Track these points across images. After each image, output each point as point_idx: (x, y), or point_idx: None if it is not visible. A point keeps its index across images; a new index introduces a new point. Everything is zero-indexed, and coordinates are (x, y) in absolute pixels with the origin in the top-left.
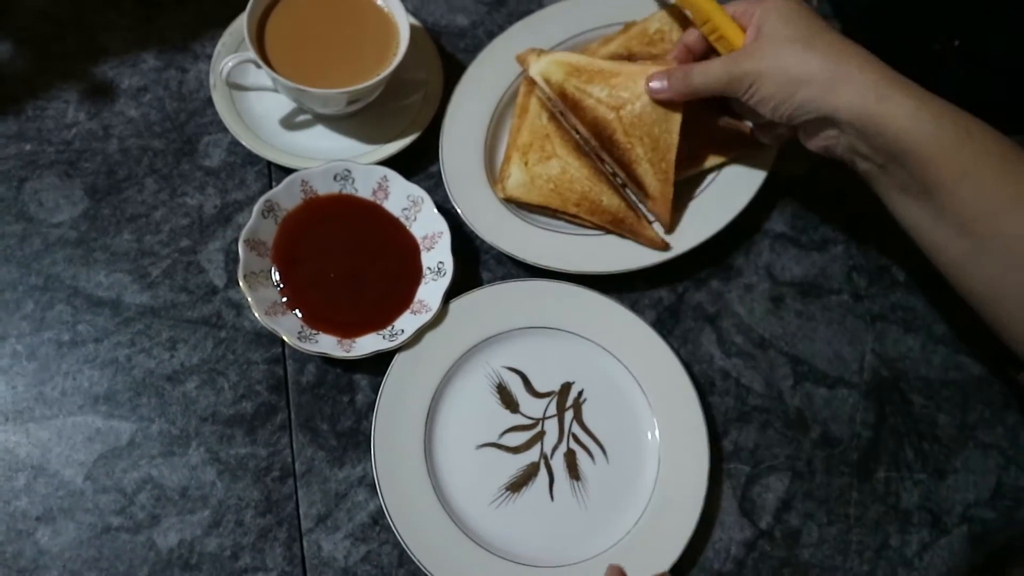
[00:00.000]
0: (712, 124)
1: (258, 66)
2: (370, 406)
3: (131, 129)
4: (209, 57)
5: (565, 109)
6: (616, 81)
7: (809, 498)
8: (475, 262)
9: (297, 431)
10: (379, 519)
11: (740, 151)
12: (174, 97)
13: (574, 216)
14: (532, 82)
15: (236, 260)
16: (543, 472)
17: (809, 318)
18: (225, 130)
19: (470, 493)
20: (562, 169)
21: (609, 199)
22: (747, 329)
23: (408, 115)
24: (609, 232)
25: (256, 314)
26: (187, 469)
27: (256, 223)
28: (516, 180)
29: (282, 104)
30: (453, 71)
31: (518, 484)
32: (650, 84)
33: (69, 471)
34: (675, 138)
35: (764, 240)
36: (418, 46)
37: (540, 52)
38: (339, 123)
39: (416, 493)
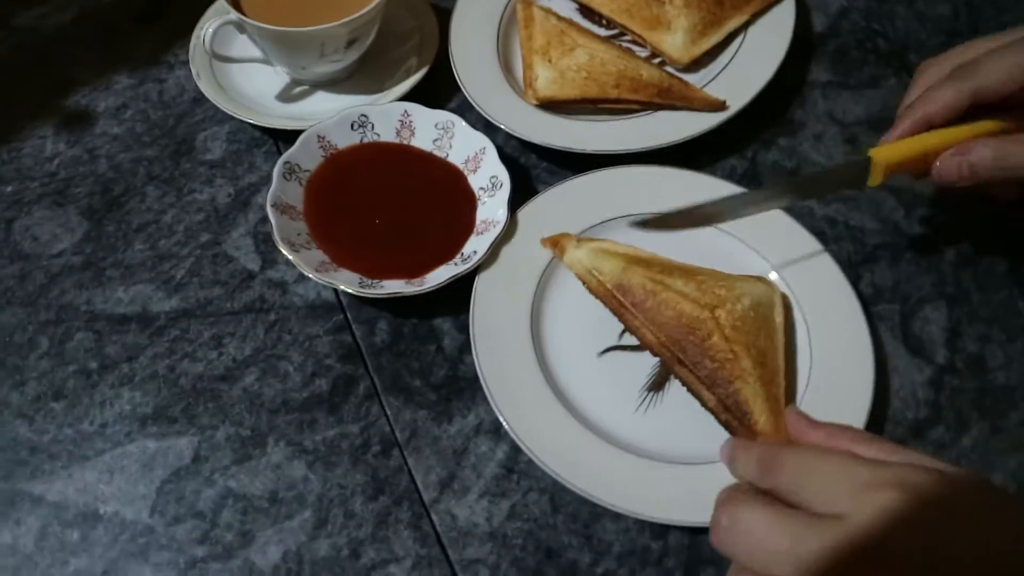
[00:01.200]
0: None
1: (241, 29)
2: (462, 348)
3: (118, 145)
4: (184, 63)
5: (625, 303)
6: (702, 278)
7: (976, 319)
8: (527, 179)
9: (387, 396)
10: (514, 466)
11: (758, 6)
12: (156, 107)
13: (616, 101)
14: (528, 11)
15: (267, 240)
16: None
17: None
18: (220, 122)
19: (609, 406)
20: (590, 55)
21: (648, 72)
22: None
23: (408, 61)
24: (659, 108)
25: (307, 272)
26: (271, 470)
27: (279, 186)
28: (545, 78)
29: (275, 79)
30: (444, 18)
31: (659, 382)
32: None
33: (130, 509)
34: (781, 359)
35: (814, 91)
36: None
37: (579, 240)
38: (338, 86)
39: (550, 422)
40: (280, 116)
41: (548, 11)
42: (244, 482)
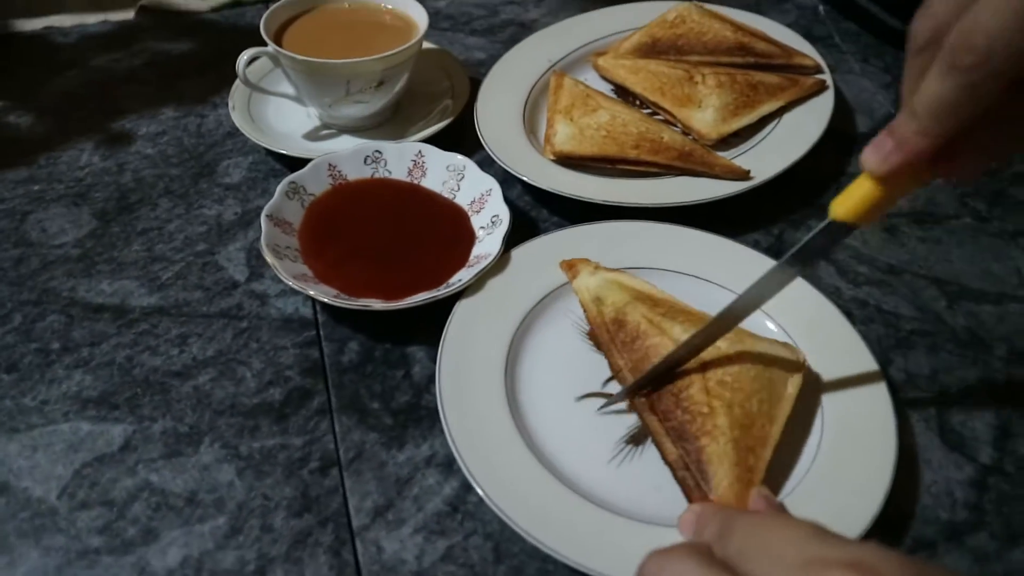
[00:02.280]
0: (755, 75)
1: (276, 61)
2: (431, 379)
3: (147, 163)
4: (228, 105)
5: (615, 339)
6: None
7: None
8: (534, 230)
9: (340, 414)
10: (460, 504)
11: (793, 95)
12: (192, 136)
13: (635, 163)
14: (561, 73)
15: (260, 256)
16: None
17: (936, 242)
18: (246, 153)
19: (580, 453)
20: (611, 116)
21: (671, 135)
22: (869, 259)
23: (436, 119)
24: (680, 173)
25: (282, 276)
26: (197, 470)
27: (280, 201)
28: (564, 134)
29: (305, 120)
30: (477, 86)
31: (640, 435)
32: (865, 156)
33: (40, 487)
34: (776, 432)
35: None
36: (440, 60)
37: (597, 267)
38: (366, 133)
39: (510, 460)
40: (301, 149)
41: (579, 81)
42: (166, 478)
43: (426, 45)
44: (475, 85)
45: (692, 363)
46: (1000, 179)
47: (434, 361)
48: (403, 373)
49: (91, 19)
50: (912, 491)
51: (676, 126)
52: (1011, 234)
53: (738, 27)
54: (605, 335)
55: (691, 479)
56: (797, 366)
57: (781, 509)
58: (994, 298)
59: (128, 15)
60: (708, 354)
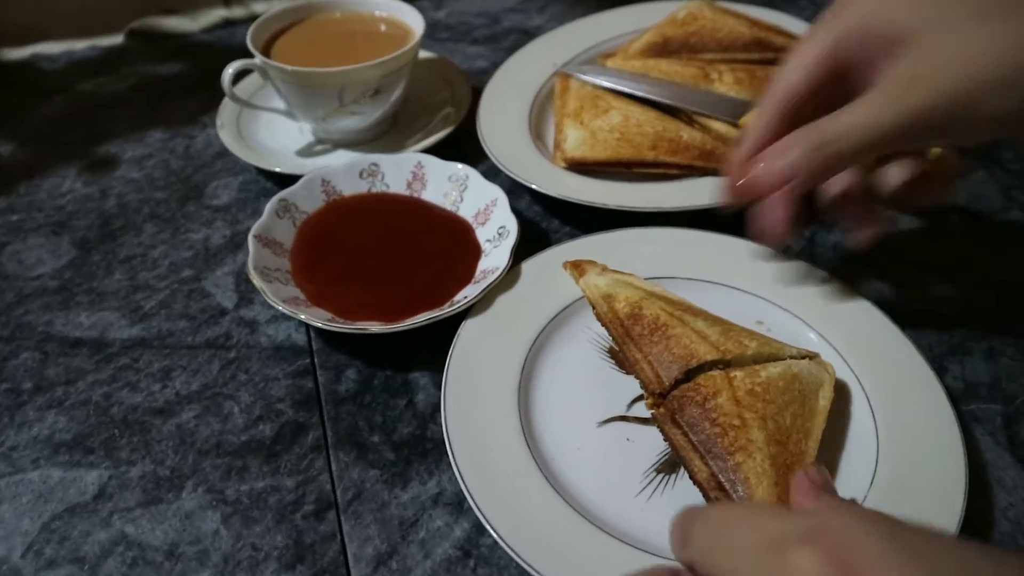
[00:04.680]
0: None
1: (264, 74)
2: (437, 407)
3: (131, 187)
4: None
5: (631, 333)
6: (734, 332)
7: None
8: (546, 243)
9: (337, 449)
10: (472, 549)
11: None
12: (180, 158)
13: (654, 165)
14: (566, 76)
15: (250, 281)
16: None
17: (981, 240)
18: (236, 174)
19: (606, 487)
20: (624, 116)
21: (690, 133)
22: (914, 260)
23: (436, 129)
24: (702, 173)
25: (270, 300)
26: (179, 519)
27: (269, 220)
28: (575, 139)
29: (298, 137)
30: (479, 97)
31: (672, 462)
32: (751, 177)
33: (2, 546)
34: (813, 448)
35: None
36: (440, 69)
37: (604, 268)
38: (362, 147)
39: (528, 498)
40: (294, 166)
41: (587, 82)
42: (144, 529)
43: (425, 54)
44: (477, 94)
45: (718, 368)
46: None
47: (439, 388)
48: (406, 402)
49: (79, 45)
50: (986, 516)
51: (694, 124)
52: None
53: (753, 22)
54: (619, 330)
55: (724, 499)
56: (826, 377)
57: (832, 490)
58: None
59: (117, 39)
60: (736, 357)
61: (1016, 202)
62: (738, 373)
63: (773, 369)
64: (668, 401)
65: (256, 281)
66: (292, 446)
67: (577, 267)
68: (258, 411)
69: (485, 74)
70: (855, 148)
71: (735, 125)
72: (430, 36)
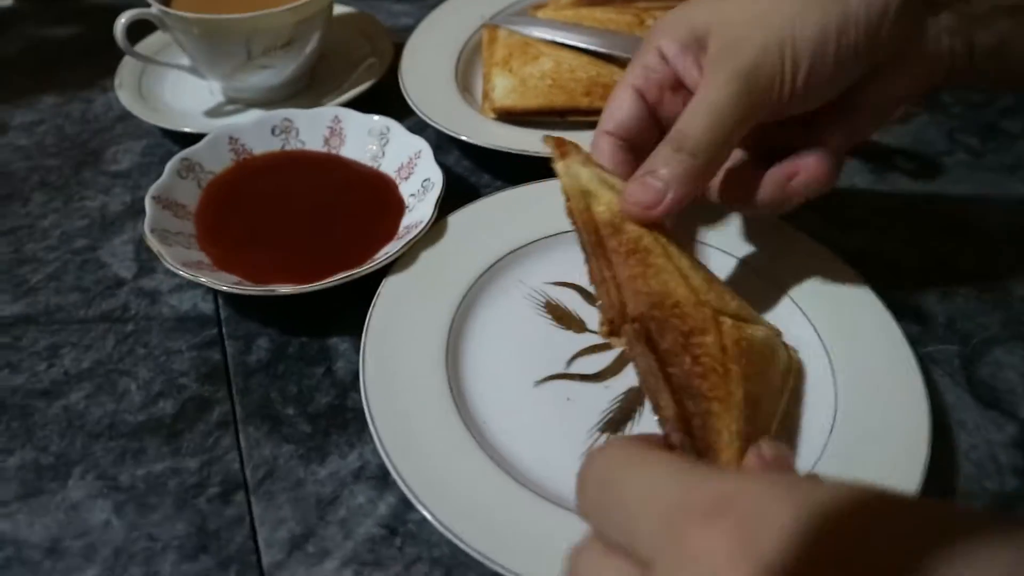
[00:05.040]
0: None
1: (162, 24)
2: (357, 374)
3: (18, 155)
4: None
5: (607, 245)
6: (718, 285)
7: None
8: (474, 197)
9: (246, 424)
10: (399, 526)
11: None
12: (76, 123)
13: (588, 113)
14: (495, 27)
15: (149, 249)
16: None
17: (926, 180)
18: (139, 137)
19: (547, 451)
20: (556, 62)
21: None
22: (862, 200)
23: (356, 83)
24: None
25: (168, 263)
26: (63, 511)
27: (170, 181)
28: (504, 87)
29: (206, 95)
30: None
31: (617, 420)
32: (629, 203)
33: None
34: (775, 428)
35: None
36: (360, 24)
37: (589, 158)
38: (277, 106)
39: (459, 467)
40: (201, 126)
41: (515, 31)
42: (21, 524)
43: (343, 9)
44: (401, 51)
45: (705, 311)
46: (989, 112)
47: (360, 353)
48: (324, 370)
49: None
50: (950, 459)
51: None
52: (1009, 168)
53: None
54: (591, 236)
55: (686, 443)
56: (793, 364)
57: (789, 469)
58: (1004, 235)
59: (5, 1)
60: (721, 307)
61: (960, 144)
62: (727, 320)
63: (756, 333)
64: (643, 319)
65: (152, 244)
66: (196, 423)
67: (561, 146)
68: (158, 387)
69: (410, 31)
70: (708, 130)
71: None
72: None
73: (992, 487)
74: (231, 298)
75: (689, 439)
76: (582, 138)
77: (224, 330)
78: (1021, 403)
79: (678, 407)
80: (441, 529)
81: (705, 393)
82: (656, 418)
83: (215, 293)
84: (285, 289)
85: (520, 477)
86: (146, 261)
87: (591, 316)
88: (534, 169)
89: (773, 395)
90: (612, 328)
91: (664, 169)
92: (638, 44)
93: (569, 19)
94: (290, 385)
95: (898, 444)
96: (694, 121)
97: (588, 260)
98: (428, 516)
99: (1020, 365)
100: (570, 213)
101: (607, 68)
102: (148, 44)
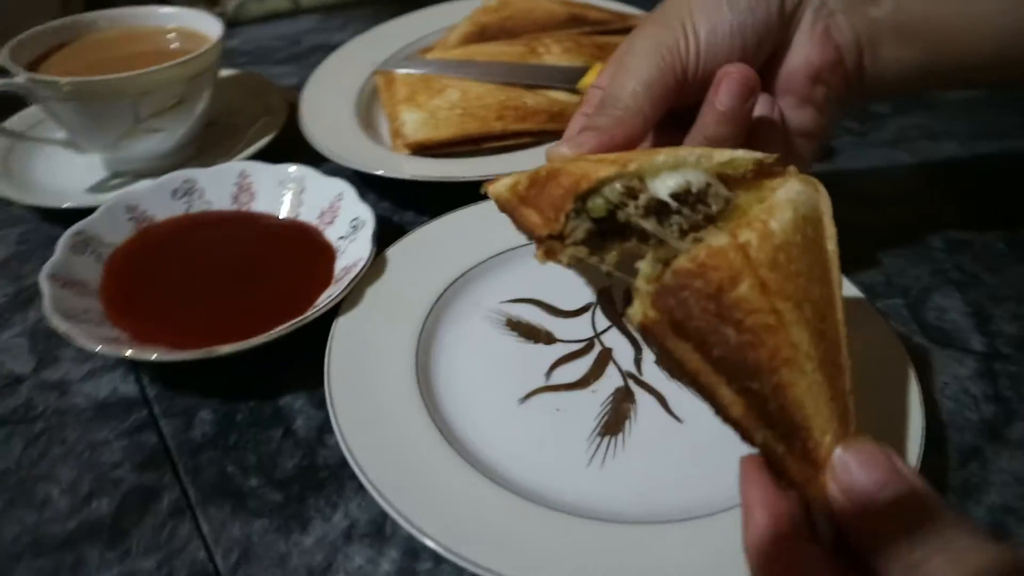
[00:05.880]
0: (599, 38)
1: (31, 96)
2: (323, 428)
3: None
4: None
5: (524, 200)
6: (641, 153)
7: (999, 299)
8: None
9: (204, 507)
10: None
11: None
12: None
13: (503, 137)
14: (387, 72)
15: (50, 337)
16: (641, 393)
17: (824, 163)
18: (11, 225)
19: (549, 465)
20: (462, 92)
21: (535, 99)
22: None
23: (255, 137)
24: (554, 138)
25: (84, 343)
26: None
27: (64, 258)
28: (415, 122)
29: (84, 171)
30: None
31: (613, 423)
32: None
33: None
34: (841, 317)
35: None
36: (248, 83)
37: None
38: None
39: (468, 499)
40: (84, 201)
41: (411, 73)
42: None
43: (228, 72)
44: (293, 107)
45: (723, 237)
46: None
47: (320, 407)
48: (282, 432)
49: None
50: (929, 399)
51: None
52: (890, 142)
53: (564, 1)
54: (514, 201)
55: (776, 443)
56: (821, 199)
57: (915, 479)
58: (905, 197)
59: None
60: (644, 173)
61: (843, 127)
62: (749, 236)
63: (783, 215)
64: (663, 298)
65: (58, 325)
66: (143, 517)
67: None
68: (87, 486)
69: (296, 89)
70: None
71: (574, 91)
72: (228, 62)
73: (974, 417)
74: (157, 375)
75: (773, 433)
76: (513, 161)
77: (156, 409)
78: (970, 337)
79: (743, 397)
80: (463, 563)
81: (767, 366)
82: (718, 417)
83: (136, 373)
84: (226, 348)
85: (534, 497)
86: (46, 351)
87: (557, 327)
88: (455, 199)
89: (825, 281)
90: (548, 247)
91: (600, 119)
92: (536, 70)
93: (460, 57)
94: (247, 455)
95: (892, 394)
96: (622, 91)
97: (519, 225)
98: (446, 553)
99: (959, 305)
100: (503, 207)
101: (515, 91)
102: (17, 123)
